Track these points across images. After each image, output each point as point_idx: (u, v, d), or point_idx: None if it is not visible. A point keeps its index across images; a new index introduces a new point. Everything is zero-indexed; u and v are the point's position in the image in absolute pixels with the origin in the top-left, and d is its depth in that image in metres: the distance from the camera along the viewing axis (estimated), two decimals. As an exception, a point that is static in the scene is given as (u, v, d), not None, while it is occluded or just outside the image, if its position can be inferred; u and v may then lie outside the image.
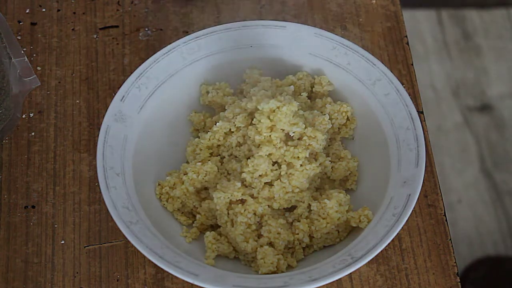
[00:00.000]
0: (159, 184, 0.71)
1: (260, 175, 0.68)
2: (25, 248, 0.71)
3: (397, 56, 0.80)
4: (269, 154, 0.68)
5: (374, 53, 0.79)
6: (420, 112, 0.75)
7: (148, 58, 0.73)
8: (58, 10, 0.83)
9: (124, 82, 0.72)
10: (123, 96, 0.71)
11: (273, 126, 0.68)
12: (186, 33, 0.80)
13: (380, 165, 0.70)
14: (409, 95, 0.72)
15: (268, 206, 0.68)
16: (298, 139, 0.69)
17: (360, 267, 0.66)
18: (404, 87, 0.72)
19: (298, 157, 0.68)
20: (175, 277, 0.67)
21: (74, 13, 0.83)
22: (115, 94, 0.72)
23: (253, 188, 0.68)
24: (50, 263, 0.70)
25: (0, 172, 0.74)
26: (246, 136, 0.70)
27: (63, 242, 0.71)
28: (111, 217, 0.65)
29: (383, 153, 0.70)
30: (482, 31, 1.63)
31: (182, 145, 0.74)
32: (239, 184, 0.68)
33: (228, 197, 0.67)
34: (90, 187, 0.73)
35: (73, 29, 0.82)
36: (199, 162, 0.71)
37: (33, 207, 0.72)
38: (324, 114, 0.71)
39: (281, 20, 0.81)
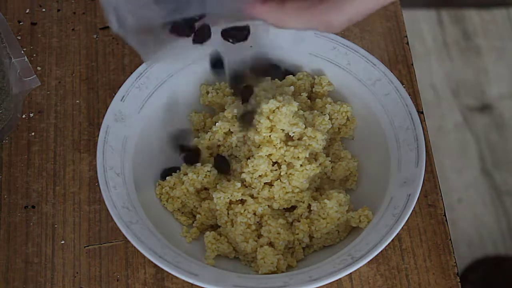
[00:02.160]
0: (159, 184, 0.71)
1: (260, 176, 0.68)
2: (25, 248, 0.71)
3: (397, 56, 0.80)
4: (269, 154, 0.68)
5: (374, 53, 0.79)
6: (420, 112, 0.75)
7: (148, 58, 0.73)
8: (58, 10, 0.83)
9: (124, 82, 0.72)
10: (123, 96, 0.71)
11: (272, 126, 0.68)
12: (186, 33, 0.80)
13: (380, 165, 0.70)
14: (409, 95, 0.72)
15: (268, 206, 0.68)
16: (298, 139, 0.69)
17: (360, 267, 0.66)
18: (404, 87, 0.72)
19: (298, 157, 0.68)
20: (175, 277, 0.67)
21: (74, 13, 0.83)
22: (115, 94, 0.72)
23: (253, 188, 0.68)
24: (50, 263, 0.70)
25: (0, 172, 0.74)
26: (246, 137, 0.70)
27: (63, 242, 0.71)
28: (111, 217, 0.65)
29: (383, 153, 0.70)
30: (482, 31, 1.64)
31: (182, 145, 0.74)
32: (239, 184, 0.68)
33: (228, 197, 0.67)
34: (90, 187, 0.73)
35: (73, 29, 0.82)
36: (199, 162, 0.71)
37: (33, 207, 0.72)
38: (324, 114, 0.71)
39: (281, 20, 0.81)
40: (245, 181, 0.68)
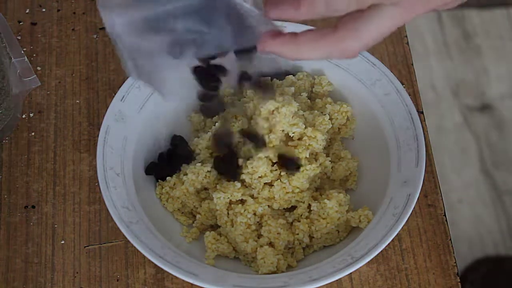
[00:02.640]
0: (159, 184, 0.71)
1: (259, 176, 0.68)
2: (25, 248, 0.71)
3: (397, 56, 0.80)
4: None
5: (374, 53, 0.79)
6: (420, 112, 0.75)
7: (148, 58, 0.73)
8: (58, 10, 0.83)
9: (124, 82, 0.72)
10: (123, 96, 0.71)
11: (272, 127, 0.68)
12: (186, 33, 0.80)
13: (380, 165, 0.70)
14: (409, 95, 0.72)
15: (268, 206, 0.68)
16: (298, 139, 0.69)
17: (360, 267, 0.66)
18: (404, 87, 0.72)
19: (299, 157, 0.68)
20: (175, 277, 0.67)
21: (74, 13, 0.83)
22: (115, 94, 0.72)
23: (253, 188, 0.68)
24: (50, 263, 0.70)
25: (0, 172, 0.74)
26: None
27: (63, 242, 0.71)
28: (111, 217, 0.65)
29: (383, 153, 0.70)
30: (482, 31, 1.64)
31: (182, 145, 0.74)
32: (238, 185, 0.68)
33: (228, 198, 0.67)
34: (90, 187, 0.73)
35: (73, 29, 0.82)
36: (199, 162, 0.70)
37: (33, 207, 0.72)
38: (324, 114, 0.71)
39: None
40: (245, 181, 0.68)
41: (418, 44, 1.61)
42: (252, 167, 0.67)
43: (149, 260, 0.66)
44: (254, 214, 0.68)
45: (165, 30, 0.53)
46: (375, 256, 0.64)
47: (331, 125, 0.71)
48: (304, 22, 0.81)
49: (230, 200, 0.68)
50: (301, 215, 0.69)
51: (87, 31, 0.81)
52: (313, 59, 0.53)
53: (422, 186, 0.66)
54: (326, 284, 0.63)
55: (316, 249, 0.69)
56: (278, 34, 0.53)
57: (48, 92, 0.78)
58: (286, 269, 0.67)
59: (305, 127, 0.69)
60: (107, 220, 0.71)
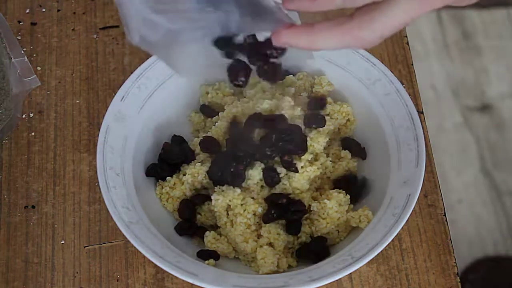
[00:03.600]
0: (159, 184, 0.71)
1: (256, 182, 0.68)
2: (25, 248, 0.71)
3: (397, 56, 0.80)
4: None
5: (374, 53, 0.79)
6: (420, 112, 0.75)
7: (148, 58, 0.73)
8: (58, 10, 0.83)
9: (124, 82, 0.72)
10: (123, 96, 0.71)
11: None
12: (186, 33, 0.80)
13: (380, 165, 0.70)
14: (409, 95, 0.72)
15: (268, 206, 0.68)
16: (298, 139, 0.69)
17: (360, 267, 0.66)
18: (404, 87, 0.72)
19: (300, 159, 0.68)
20: (175, 277, 0.67)
21: (74, 13, 0.83)
22: (115, 94, 0.72)
23: (252, 191, 0.68)
24: (50, 263, 0.70)
25: (0, 172, 0.74)
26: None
27: (63, 242, 0.71)
28: (111, 217, 0.65)
29: (383, 153, 0.70)
30: (482, 31, 1.63)
31: (182, 145, 0.74)
32: (238, 190, 0.67)
33: (227, 202, 0.67)
34: (90, 187, 0.73)
35: (73, 29, 0.82)
36: (199, 162, 0.70)
37: (33, 207, 0.72)
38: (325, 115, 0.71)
39: (281, 20, 0.80)
40: (242, 187, 0.68)
41: (418, 44, 1.61)
42: (249, 175, 0.67)
43: (149, 260, 0.66)
44: (254, 214, 0.67)
45: (170, 4, 0.52)
46: (375, 256, 0.64)
47: (332, 126, 0.71)
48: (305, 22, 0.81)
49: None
50: (301, 215, 0.69)
51: (87, 31, 0.82)
52: (328, 49, 0.53)
53: (422, 186, 0.66)
54: (326, 284, 0.63)
55: (316, 249, 0.69)
56: (292, 25, 0.53)
57: (48, 92, 0.78)
58: (286, 269, 0.67)
59: (305, 127, 0.69)
60: (107, 220, 0.71)
